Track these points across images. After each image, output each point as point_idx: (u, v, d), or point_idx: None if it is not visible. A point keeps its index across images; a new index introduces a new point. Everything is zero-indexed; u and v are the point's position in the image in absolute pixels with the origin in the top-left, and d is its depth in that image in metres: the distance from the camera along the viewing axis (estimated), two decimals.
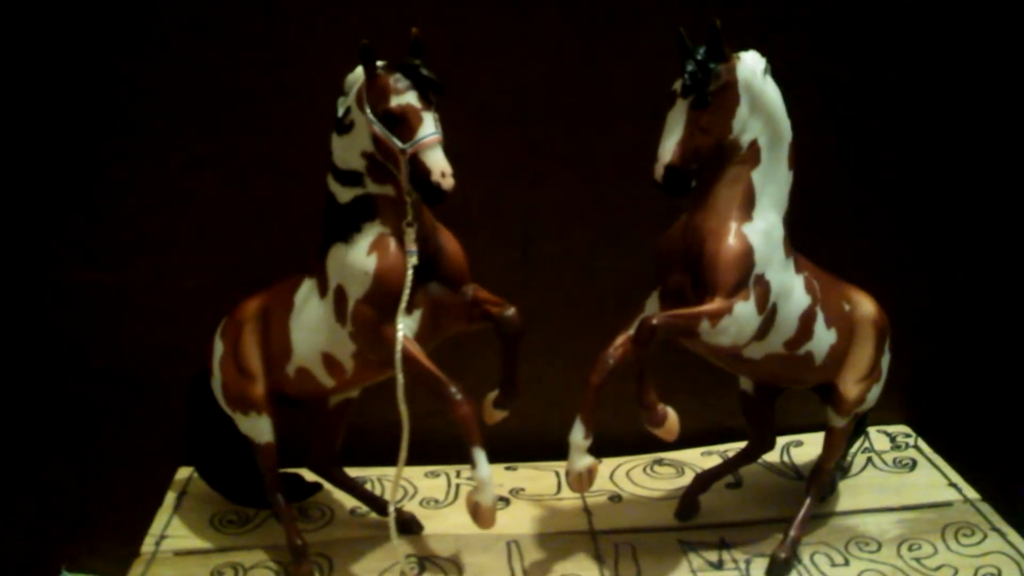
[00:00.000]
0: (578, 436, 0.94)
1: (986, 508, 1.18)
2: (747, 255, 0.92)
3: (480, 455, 0.90)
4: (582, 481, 0.95)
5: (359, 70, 0.91)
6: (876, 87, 1.25)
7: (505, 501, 1.22)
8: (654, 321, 0.88)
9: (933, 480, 1.26)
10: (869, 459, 1.31)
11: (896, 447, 1.34)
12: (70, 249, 1.24)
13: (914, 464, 1.30)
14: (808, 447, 1.32)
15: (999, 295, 1.37)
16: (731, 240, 0.92)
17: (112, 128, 1.19)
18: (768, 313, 0.94)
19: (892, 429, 1.38)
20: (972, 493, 1.22)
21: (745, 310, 0.91)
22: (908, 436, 1.37)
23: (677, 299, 0.96)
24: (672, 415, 0.93)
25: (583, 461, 0.94)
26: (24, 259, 1.24)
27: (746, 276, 0.92)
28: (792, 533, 1.08)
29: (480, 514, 0.91)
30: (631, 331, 0.94)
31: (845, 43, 1.23)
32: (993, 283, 1.36)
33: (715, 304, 0.90)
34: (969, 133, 1.29)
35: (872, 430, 1.35)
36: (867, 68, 1.24)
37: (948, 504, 1.20)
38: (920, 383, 1.37)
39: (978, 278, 1.36)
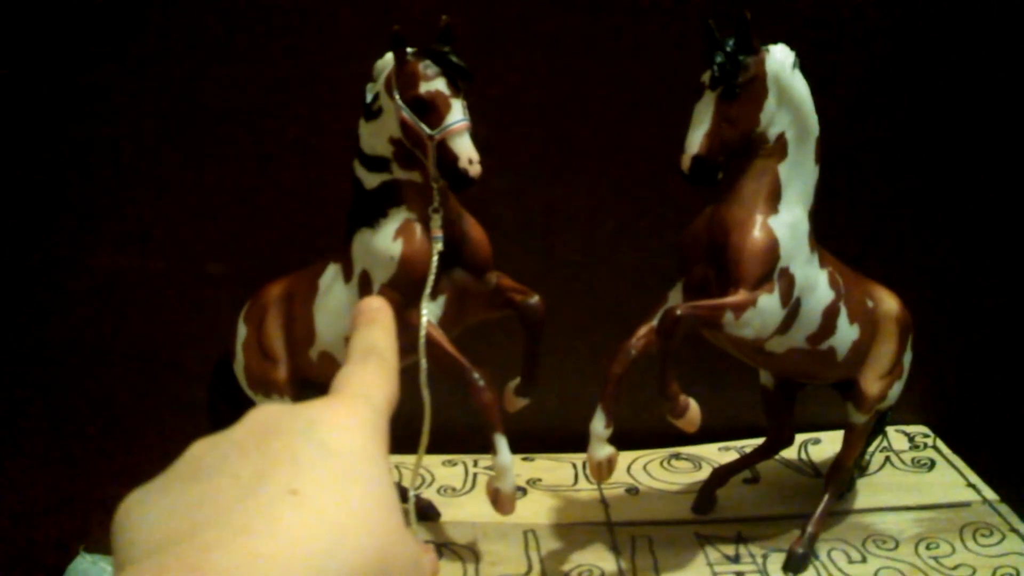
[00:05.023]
0: (599, 425, 0.94)
1: (1005, 509, 1.17)
2: (772, 248, 0.92)
3: (501, 441, 0.90)
4: (602, 470, 0.95)
5: (389, 56, 0.91)
6: (905, 83, 1.25)
7: (522, 491, 1.22)
8: (678, 312, 0.89)
9: (951, 480, 1.25)
10: (887, 458, 1.30)
11: (915, 447, 1.34)
12: (93, 234, 1.25)
13: (932, 464, 1.29)
14: (826, 445, 1.32)
15: (1022, 297, 1.36)
16: (757, 232, 0.92)
17: (136, 112, 1.20)
18: (792, 307, 0.94)
19: (911, 429, 1.38)
20: (991, 494, 1.21)
21: (769, 303, 0.91)
22: (927, 436, 1.36)
23: (701, 291, 0.96)
24: (694, 406, 0.94)
25: (604, 450, 0.94)
26: (45, 243, 1.25)
27: (771, 269, 0.92)
28: (809, 529, 1.07)
29: (500, 500, 0.92)
30: (654, 322, 0.94)
31: (874, 38, 1.22)
32: (1015, 285, 1.35)
33: (739, 296, 0.90)
34: (996, 133, 1.28)
35: (890, 430, 1.34)
36: (897, 63, 1.24)
37: (966, 504, 1.19)
38: (939, 384, 1.36)
39: (1000, 279, 1.35)
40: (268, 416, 0.34)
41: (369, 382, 0.38)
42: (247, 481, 0.30)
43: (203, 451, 0.33)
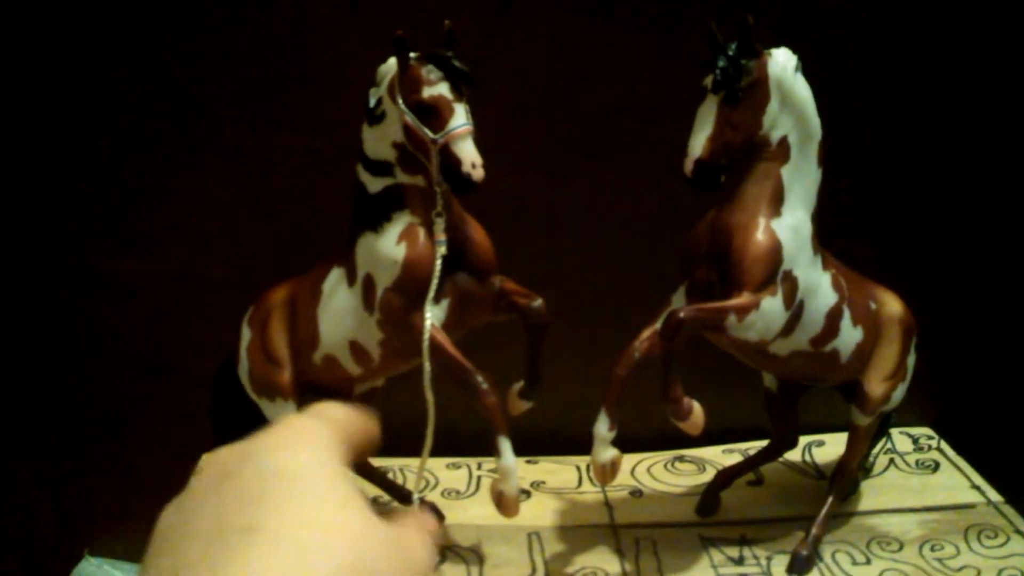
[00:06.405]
0: (603, 428, 0.94)
1: (1009, 511, 1.17)
2: (775, 250, 0.92)
3: (505, 444, 0.91)
4: (606, 473, 0.95)
5: (391, 61, 0.91)
6: (908, 85, 1.25)
7: (526, 493, 1.22)
8: (681, 314, 0.89)
9: (956, 482, 1.25)
10: (891, 460, 1.30)
11: (919, 449, 1.34)
12: (96, 237, 1.25)
13: (937, 466, 1.29)
14: (830, 447, 1.31)
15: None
16: (759, 235, 0.92)
17: (140, 116, 1.20)
18: (795, 309, 0.94)
19: (915, 431, 1.38)
20: (995, 496, 1.21)
21: (772, 305, 0.91)
22: (931, 438, 1.36)
23: (704, 294, 0.96)
24: (697, 409, 0.94)
25: (607, 453, 0.95)
26: (50, 247, 1.25)
27: (774, 271, 0.92)
28: (814, 531, 1.07)
29: (504, 503, 0.92)
30: (657, 325, 0.94)
31: (876, 40, 1.22)
32: (1018, 285, 1.35)
33: (742, 299, 0.90)
34: (996, 134, 1.28)
35: (894, 432, 1.34)
36: (899, 65, 1.24)
37: (971, 506, 1.19)
38: (943, 386, 1.36)
39: (1003, 280, 1.35)
40: (218, 461, 0.34)
41: (324, 406, 0.38)
42: (207, 534, 0.30)
43: (169, 519, 0.33)
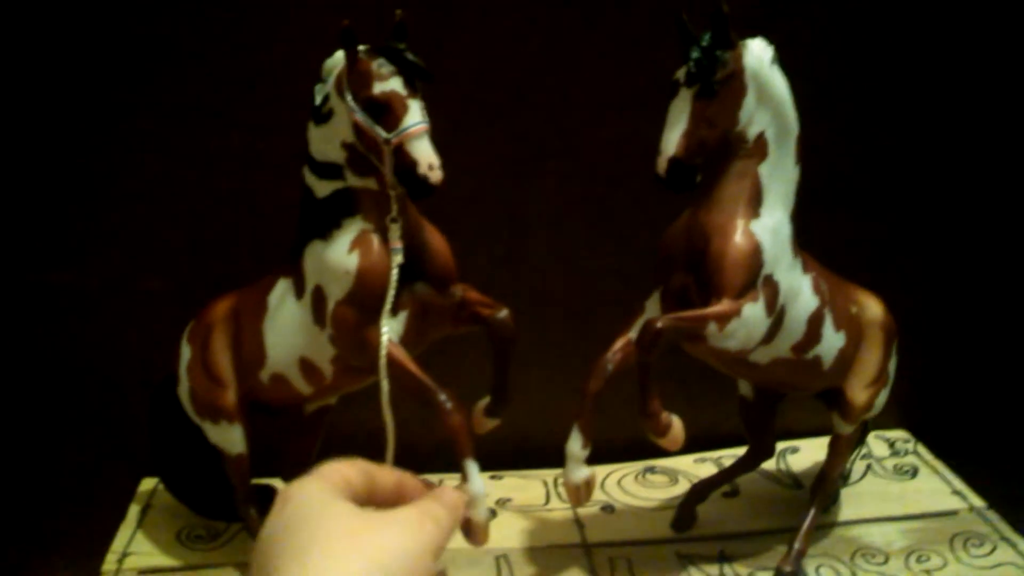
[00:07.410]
0: (576, 446, 0.88)
1: (993, 516, 1.14)
2: (755, 254, 0.86)
3: (473, 468, 0.84)
4: (580, 494, 0.89)
5: (339, 55, 0.84)
6: (884, 81, 1.21)
7: (492, 512, 1.16)
8: (659, 324, 0.83)
9: (936, 487, 1.21)
10: (868, 466, 1.26)
11: (895, 453, 1.30)
12: (28, 247, 1.17)
13: (915, 471, 1.25)
14: (805, 453, 1.27)
15: (999, 296, 1.33)
16: (739, 238, 0.86)
17: (73, 120, 1.12)
18: (777, 315, 0.89)
19: (891, 434, 1.34)
20: (978, 501, 1.17)
21: (754, 312, 0.86)
22: (907, 441, 1.33)
23: (679, 300, 0.90)
24: (677, 423, 0.88)
25: (581, 472, 0.89)
26: None
27: (754, 276, 0.86)
28: (796, 545, 1.02)
29: (473, 530, 0.85)
30: (631, 334, 0.89)
31: (853, 33, 1.18)
32: (993, 284, 1.33)
33: (723, 306, 0.84)
34: (971, 134, 1.25)
35: (870, 435, 1.30)
36: (875, 60, 1.20)
37: (953, 513, 1.15)
38: (918, 386, 1.32)
39: (977, 279, 1.32)
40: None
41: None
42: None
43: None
